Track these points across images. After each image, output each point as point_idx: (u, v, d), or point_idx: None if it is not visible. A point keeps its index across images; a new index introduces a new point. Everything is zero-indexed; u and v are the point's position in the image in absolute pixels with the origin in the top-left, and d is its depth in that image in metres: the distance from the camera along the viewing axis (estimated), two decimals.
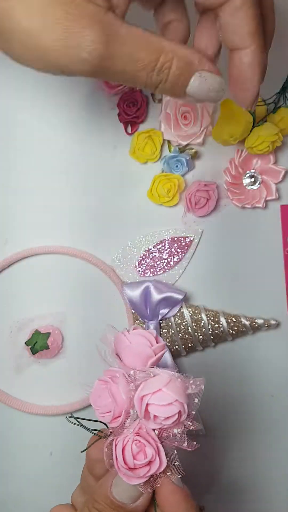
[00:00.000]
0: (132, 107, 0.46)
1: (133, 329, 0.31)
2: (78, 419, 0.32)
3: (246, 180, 0.46)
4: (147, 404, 0.29)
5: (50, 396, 0.48)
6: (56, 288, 0.48)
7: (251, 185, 0.46)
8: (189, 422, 0.30)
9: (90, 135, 0.47)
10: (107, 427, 0.31)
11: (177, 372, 0.31)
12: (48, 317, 0.48)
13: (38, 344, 0.47)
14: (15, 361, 0.48)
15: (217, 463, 0.49)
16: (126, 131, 0.47)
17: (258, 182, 0.46)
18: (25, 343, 0.47)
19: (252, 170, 0.46)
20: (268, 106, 0.45)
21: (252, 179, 0.46)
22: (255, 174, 0.46)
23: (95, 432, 0.32)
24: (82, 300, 0.48)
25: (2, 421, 0.48)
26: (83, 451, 0.33)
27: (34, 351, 0.47)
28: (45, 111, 0.47)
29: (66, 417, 0.33)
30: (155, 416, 0.29)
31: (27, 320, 0.48)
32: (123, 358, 0.30)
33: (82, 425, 0.32)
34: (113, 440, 0.30)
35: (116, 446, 0.29)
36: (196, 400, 0.30)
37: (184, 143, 0.46)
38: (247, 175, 0.46)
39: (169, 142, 0.47)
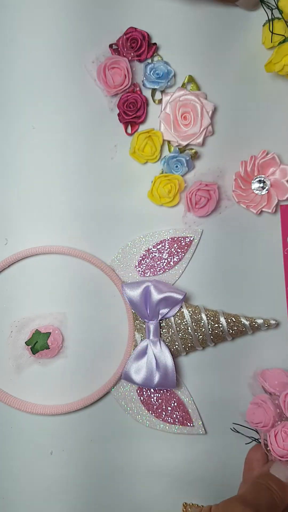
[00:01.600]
0: (132, 108, 0.46)
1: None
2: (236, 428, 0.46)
3: (255, 185, 0.47)
4: None
5: (50, 395, 0.48)
6: (56, 288, 0.48)
7: (259, 190, 0.47)
8: None
9: (90, 136, 0.47)
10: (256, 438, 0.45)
11: None
12: (48, 317, 0.48)
13: (38, 344, 0.47)
14: (15, 360, 0.48)
15: (216, 461, 0.49)
16: (126, 131, 0.47)
17: (266, 188, 0.47)
18: (25, 343, 0.47)
19: (262, 176, 0.46)
20: None
21: (261, 185, 0.46)
22: (265, 180, 0.46)
23: (254, 439, 0.45)
24: (82, 300, 0.48)
25: (3, 421, 0.49)
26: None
27: (34, 351, 0.47)
28: (45, 112, 0.47)
29: (231, 428, 0.47)
30: None
31: (27, 320, 0.48)
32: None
33: (243, 434, 0.46)
34: (266, 437, 0.43)
35: (269, 436, 0.42)
36: None
37: (184, 143, 0.47)
38: (256, 179, 0.46)
39: (169, 142, 0.47)
